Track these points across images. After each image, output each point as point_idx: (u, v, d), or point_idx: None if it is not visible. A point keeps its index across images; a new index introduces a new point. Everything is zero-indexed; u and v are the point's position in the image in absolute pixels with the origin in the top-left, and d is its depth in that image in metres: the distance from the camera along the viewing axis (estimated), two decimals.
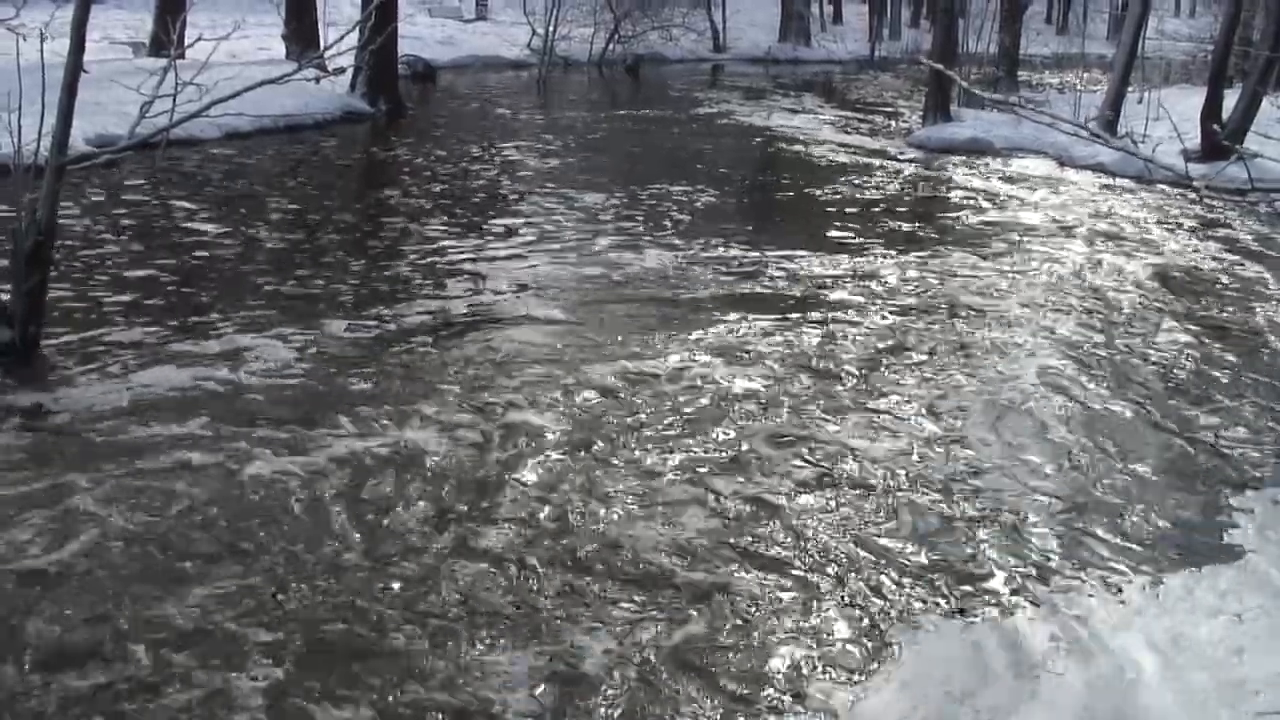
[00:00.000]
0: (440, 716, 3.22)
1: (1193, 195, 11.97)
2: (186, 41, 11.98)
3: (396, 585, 3.85)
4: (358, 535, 4.16)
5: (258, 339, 6.25)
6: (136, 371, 5.67)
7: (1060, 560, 4.22)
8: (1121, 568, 4.19)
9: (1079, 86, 21.10)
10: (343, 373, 5.84)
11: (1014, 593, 3.98)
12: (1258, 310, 7.92)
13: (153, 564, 3.90)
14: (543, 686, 3.35)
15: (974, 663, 3.57)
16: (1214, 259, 9.50)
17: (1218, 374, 6.45)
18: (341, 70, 15.11)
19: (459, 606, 3.74)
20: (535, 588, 3.87)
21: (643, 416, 5.37)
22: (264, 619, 3.62)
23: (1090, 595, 3.98)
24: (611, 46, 27.24)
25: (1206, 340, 7.09)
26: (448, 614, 3.69)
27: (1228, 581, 4.10)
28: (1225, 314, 7.82)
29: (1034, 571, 4.14)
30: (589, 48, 26.79)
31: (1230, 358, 6.74)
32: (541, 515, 4.37)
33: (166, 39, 12.27)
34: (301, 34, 18.33)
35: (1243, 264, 9.37)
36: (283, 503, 4.38)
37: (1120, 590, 4.03)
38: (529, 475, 4.72)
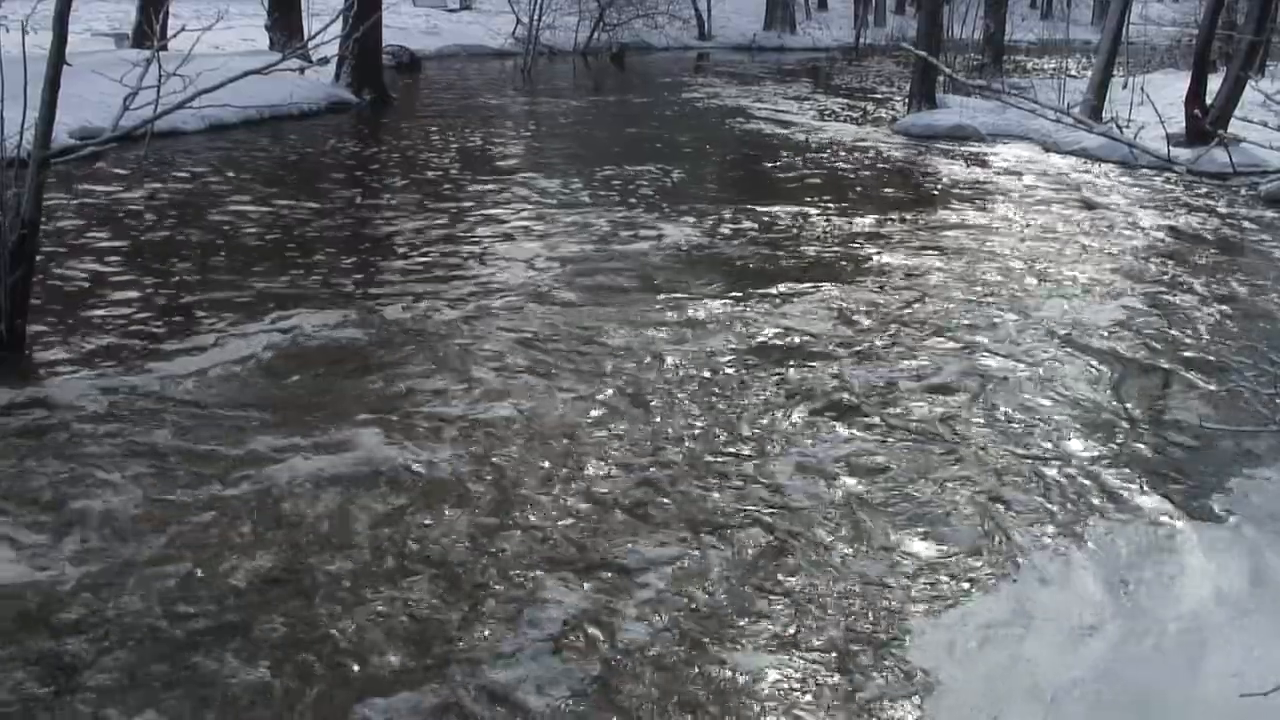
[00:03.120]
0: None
1: (1176, 179, 12.05)
2: (169, 33, 11.89)
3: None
4: (363, 530, 4.18)
5: (249, 330, 6.24)
6: (124, 364, 5.66)
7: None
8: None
9: (1074, 72, 21.11)
10: (339, 362, 5.84)
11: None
12: (1225, 277, 8.27)
13: (150, 558, 3.91)
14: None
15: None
16: (1188, 235, 9.70)
17: (1196, 329, 6.62)
18: (326, 60, 15.00)
19: None
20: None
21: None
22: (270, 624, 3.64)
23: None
24: (596, 35, 27.17)
25: (1176, 301, 7.31)
26: None
27: None
28: (1198, 281, 8.10)
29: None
30: (574, 36, 26.70)
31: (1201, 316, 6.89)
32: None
33: (149, 30, 12.21)
34: (285, 24, 18.26)
35: (1220, 241, 9.57)
36: (284, 492, 4.39)
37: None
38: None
